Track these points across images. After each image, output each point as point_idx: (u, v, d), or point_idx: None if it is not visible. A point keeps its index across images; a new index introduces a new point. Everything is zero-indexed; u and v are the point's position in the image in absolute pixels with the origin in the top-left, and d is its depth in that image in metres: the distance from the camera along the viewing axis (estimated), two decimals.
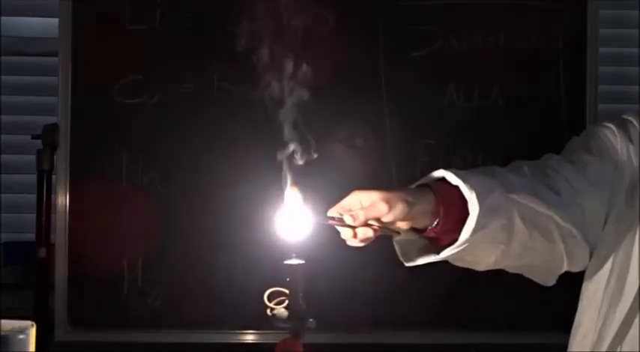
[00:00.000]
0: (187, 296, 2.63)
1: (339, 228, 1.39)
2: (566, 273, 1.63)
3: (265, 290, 1.30)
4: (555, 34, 2.68)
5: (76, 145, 2.63)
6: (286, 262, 1.32)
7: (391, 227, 1.41)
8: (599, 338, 1.61)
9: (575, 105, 2.68)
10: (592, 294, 1.65)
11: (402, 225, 1.41)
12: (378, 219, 1.38)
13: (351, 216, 1.36)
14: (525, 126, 2.66)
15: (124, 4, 2.64)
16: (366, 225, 1.37)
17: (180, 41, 2.65)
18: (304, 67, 1.46)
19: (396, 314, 2.64)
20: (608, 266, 1.62)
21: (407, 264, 1.51)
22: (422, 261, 1.48)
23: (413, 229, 1.45)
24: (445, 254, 1.44)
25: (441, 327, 2.65)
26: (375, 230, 1.38)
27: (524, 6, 2.68)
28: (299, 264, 1.32)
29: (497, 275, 2.55)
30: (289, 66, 1.46)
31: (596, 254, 1.63)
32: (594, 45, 2.69)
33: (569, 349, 1.70)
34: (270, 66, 1.47)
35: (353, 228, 1.38)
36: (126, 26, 2.64)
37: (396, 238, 1.48)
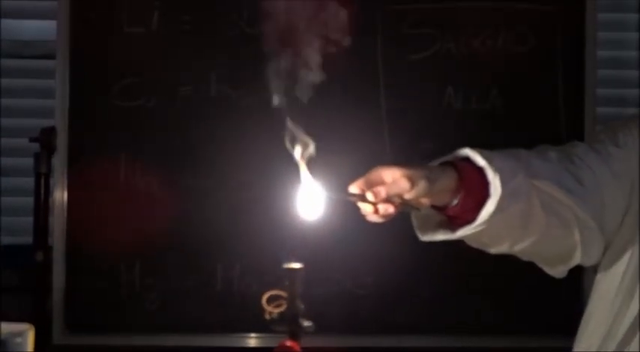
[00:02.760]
0: (185, 300, 2.63)
1: (360, 204, 1.39)
2: (568, 277, 1.62)
3: (264, 294, 1.30)
4: (554, 37, 2.68)
5: (74, 148, 2.63)
6: (285, 266, 1.32)
7: (412, 203, 1.40)
8: (609, 335, 1.59)
9: (573, 108, 2.67)
10: (605, 289, 1.63)
11: (423, 201, 1.40)
12: (399, 196, 1.37)
13: (373, 192, 1.36)
14: (524, 129, 2.65)
15: (122, 6, 2.64)
16: (387, 201, 1.37)
17: (178, 44, 2.65)
18: (303, 70, 1.46)
19: (396, 317, 2.63)
20: (624, 261, 1.59)
21: (422, 238, 1.49)
22: (438, 236, 1.47)
23: (432, 206, 1.44)
24: (461, 233, 1.43)
25: (441, 331, 2.64)
26: (395, 206, 1.38)
27: (522, 9, 2.68)
28: (297, 268, 1.31)
29: (498, 279, 2.57)
30: (288, 68, 1.45)
31: (612, 248, 1.60)
32: (593, 48, 2.69)
33: (576, 343, 1.68)
34: (268, 68, 1.46)
35: (374, 204, 1.37)
36: (124, 29, 2.64)
37: (415, 213, 1.47)
